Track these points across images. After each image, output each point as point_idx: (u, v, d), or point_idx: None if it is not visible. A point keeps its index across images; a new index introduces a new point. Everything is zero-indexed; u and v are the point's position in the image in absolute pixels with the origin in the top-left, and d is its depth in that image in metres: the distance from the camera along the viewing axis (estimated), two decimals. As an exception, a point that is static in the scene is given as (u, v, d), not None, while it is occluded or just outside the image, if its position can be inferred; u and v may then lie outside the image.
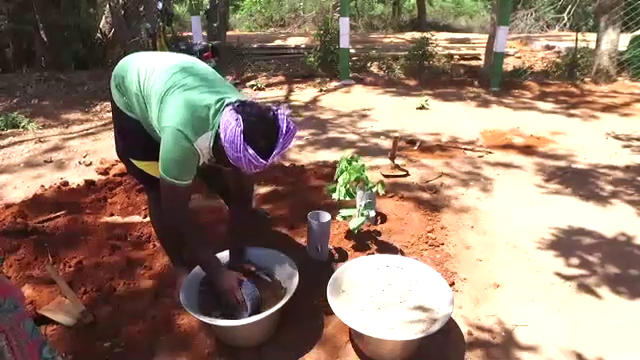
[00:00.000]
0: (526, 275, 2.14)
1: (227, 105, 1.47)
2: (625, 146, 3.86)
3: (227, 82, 1.70)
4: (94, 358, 1.64)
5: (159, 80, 1.57)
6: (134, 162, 1.74)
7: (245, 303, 1.63)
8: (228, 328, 1.62)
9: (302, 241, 2.29)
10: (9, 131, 4.33)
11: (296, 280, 1.72)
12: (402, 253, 2.23)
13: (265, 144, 1.39)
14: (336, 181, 2.24)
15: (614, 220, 2.63)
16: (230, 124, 1.38)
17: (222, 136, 1.40)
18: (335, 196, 2.21)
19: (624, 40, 6.55)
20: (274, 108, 1.45)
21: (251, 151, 1.36)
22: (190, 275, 1.79)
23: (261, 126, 1.39)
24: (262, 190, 2.96)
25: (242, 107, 1.41)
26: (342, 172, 2.22)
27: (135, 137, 1.69)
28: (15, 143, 4.00)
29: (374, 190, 2.32)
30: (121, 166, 3.31)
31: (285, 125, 1.41)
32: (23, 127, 4.39)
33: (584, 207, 2.81)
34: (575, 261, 2.24)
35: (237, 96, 1.55)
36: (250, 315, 1.60)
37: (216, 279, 1.66)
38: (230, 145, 1.38)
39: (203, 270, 1.74)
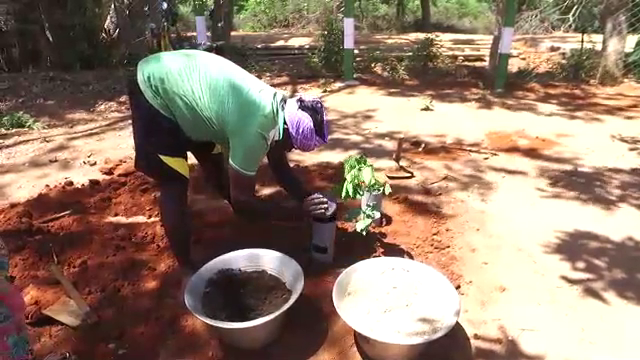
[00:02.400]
0: (532, 278, 2.12)
1: (282, 101, 1.82)
2: (631, 149, 3.83)
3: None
4: (98, 359, 1.64)
5: (214, 86, 1.74)
6: (163, 158, 1.78)
7: (329, 203, 1.95)
8: (233, 330, 1.62)
9: (306, 242, 2.28)
10: (14, 130, 4.34)
11: (301, 282, 1.71)
12: (408, 255, 2.22)
13: (322, 129, 1.82)
14: (344, 179, 2.21)
15: (621, 223, 2.61)
16: (303, 122, 1.77)
17: (293, 131, 1.78)
18: (343, 197, 2.18)
19: (630, 42, 6.50)
20: (315, 100, 1.83)
21: (318, 138, 1.81)
22: (195, 277, 1.79)
23: (318, 117, 1.80)
24: (266, 191, 2.95)
25: (304, 104, 1.80)
26: (352, 168, 2.19)
27: (168, 135, 1.78)
28: (20, 142, 4.02)
29: (380, 191, 2.31)
30: (125, 166, 3.32)
31: (325, 113, 1.86)
32: (28, 126, 4.41)
33: (590, 210, 2.79)
34: (581, 265, 2.22)
35: (273, 90, 1.85)
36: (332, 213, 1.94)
37: (297, 217, 2.13)
38: (304, 137, 1.79)
39: (286, 219, 2.19)
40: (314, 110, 1.79)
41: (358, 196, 2.18)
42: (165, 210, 1.95)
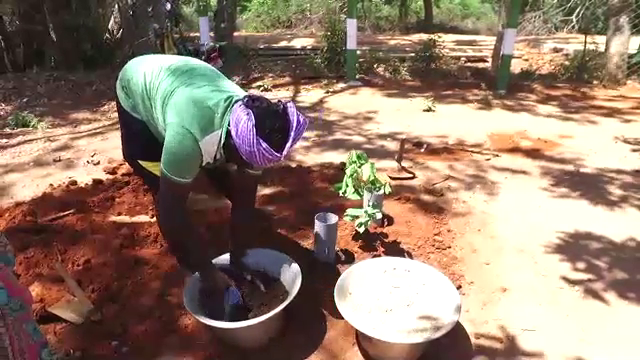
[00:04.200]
0: (533, 279, 2.12)
1: (236, 102, 1.46)
2: (634, 150, 3.83)
3: (233, 82, 1.70)
4: (102, 356, 1.66)
5: (166, 80, 1.58)
6: (141, 163, 1.75)
7: (224, 308, 1.66)
8: (230, 330, 1.63)
9: (308, 242, 2.29)
10: (19, 130, 4.37)
11: (299, 282, 1.71)
12: (409, 256, 2.23)
13: (278, 137, 1.37)
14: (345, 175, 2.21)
15: (622, 224, 2.61)
16: (241, 119, 1.36)
17: (233, 132, 1.39)
18: (342, 191, 2.19)
19: (634, 43, 6.49)
20: (283, 102, 1.45)
21: (264, 145, 1.34)
22: (194, 277, 1.80)
23: (272, 119, 1.37)
24: (267, 191, 2.96)
25: (252, 101, 1.41)
26: (352, 163, 2.19)
27: (141, 138, 1.69)
28: (25, 142, 4.04)
29: (381, 191, 2.32)
30: (128, 166, 3.32)
31: (295, 118, 1.40)
32: (33, 126, 4.44)
33: (592, 211, 2.79)
34: (583, 266, 2.22)
35: (243, 95, 1.55)
36: (229, 321, 1.61)
37: (204, 279, 1.68)
38: (243, 140, 1.36)
39: (194, 269, 1.72)
40: (264, 110, 1.38)
41: (358, 196, 2.19)
42: (159, 213, 1.93)
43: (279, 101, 1.46)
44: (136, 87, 1.65)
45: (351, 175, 2.13)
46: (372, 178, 2.14)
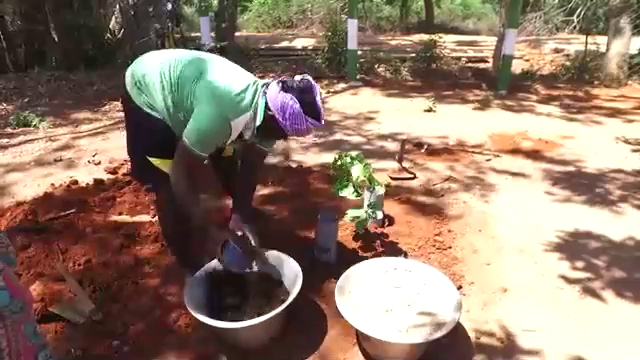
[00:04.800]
0: (534, 279, 2.12)
1: (264, 86, 1.65)
2: (635, 150, 3.83)
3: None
4: (102, 355, 1.66)
5: (189, 68, 1.66)
6: (152, 160, 1.73)
7: (222, 258, 1.69)
8: (229, 330, 1.63)
9: (308, 243, 2.29)
10: (20, 130, 4.38)
11: (300, 282, 1.72)
12: (410, 256, 2.23)
13: (314, 110, 1.59)
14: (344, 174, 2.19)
15: (623, 225, 2.61)
16: (287, 103, 1.55)
17: (280, 116, 1.58)
18: (336, 189, 2.18)
19: (635, 43, 6.49)
20: (304, 80, 1.62)
21: (311, 120, 1.58)
22: (194, 277, 1.80)
23: (308, 96, 1.59)
24: (267, 191, 2.97)
25: (287, 86, 1.60)
26: (343, 164, 2.18)
27: (155, 135, 1.71)
28: (26, 142, 4.05)
29: (381, 191, 2.32)
30: (129, 165, 3.34)
31: (318, 89, 1.63)
32: (34, 126, 4.44)
33: (593, 211, 2.79)
34: (583, 266, 2.22)
35: (256, 79, 1.71)
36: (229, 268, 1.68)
37: (209, 233, 1.75)
38: (293, 121, 1.57)
39: (198, 226, 1.77)
40: (301, 90, 1.59)
41: (357, 196, 2.18)
42: (162, 213, 1.95)
43: (303, 77, 1.65)
44: (153, 80, 1.67)
45: (343, 177, 2.13)
46: (362, 179, 2.12)
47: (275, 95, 1.58)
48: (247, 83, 1.66)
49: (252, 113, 1.64)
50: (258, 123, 1.64)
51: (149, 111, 1.70)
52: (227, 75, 1.66)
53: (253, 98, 1.64)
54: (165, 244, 2.29)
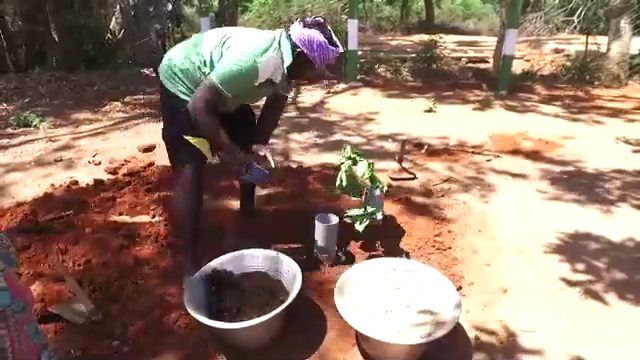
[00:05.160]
0: (534, 280, 2.12)
1: (286, 31, 1.84)
2: (635, 151, 3.82)
3: None
4: (102, 356, 1.66)
5: (214, 35, 1.86)
6: (187, 139, 1.87)
7: (249, 169, 1.88)
8: (228, 331, 1.63)
9: (308, 243, 2.29)
10: (21, 130, 4.38)
11: (299, 282, 1.72)
12: (409, 256, 2.23)
13: (333, 41, 1.82)
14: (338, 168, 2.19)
15: (623, 225, 2.60)
16: (314, 38, 1.78)
17: (308, 49, 1.79)
18: (337, 185, 2.18)
19: (635, 44, 6.48)
20: (318, 17, 1.84)
21: (333, 47, 1.81)
22: (194, 277, 1.80)
23: (326, 29, 1.82)
24: (267, 191, 2.96)
25: (307, 23, 1.81)
26: (347, 159, 2.18)
27: (187, 116, 1.82)
28: (26, 142, 4.05)
29: (382, 191, 2.32)
30: (130, 166, 3.35)
31: (328, 27, 1.86)
32: (34, 126, 4.45)
33: (593, 212, 2.78)
34: (583, 267, 2.22)
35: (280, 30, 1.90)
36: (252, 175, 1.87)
37: (228, 156, 1.93)
38: (321, 52, 1.79)
39: (225, 151, 1.93)
40: (319, 25, 1.80)
41: (358, 196, 2.18)
42: (180, 190, 1.97)
43: (315, 17, 1.86)
44: (185, 65, 1.84)
45: (346, 171, 2.13)
46: (367, 176, 2.12)
47: (300, 32, 1.79)
48: (272, 34, 1.86)
49: (279, 56, 1.82)
50: (288, 63, 1.83)
51: (184, 97, 1.86)
52: (251, 30, 1.90)
53: (277, 42, 1.82)
54: (165, 244, 2.29)
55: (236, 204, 2.61)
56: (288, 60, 1.83)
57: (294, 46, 1.81)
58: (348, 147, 2.23)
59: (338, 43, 1.84)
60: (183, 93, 1.86)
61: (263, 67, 1.77)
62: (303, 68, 1.86)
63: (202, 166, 1.97)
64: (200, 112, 1.77)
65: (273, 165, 1.98)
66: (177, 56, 1.87)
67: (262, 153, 1.99)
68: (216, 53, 1.81)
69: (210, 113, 1.77)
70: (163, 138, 2.02)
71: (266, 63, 1.77)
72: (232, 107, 1.97)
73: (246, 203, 2.50)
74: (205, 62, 1.82)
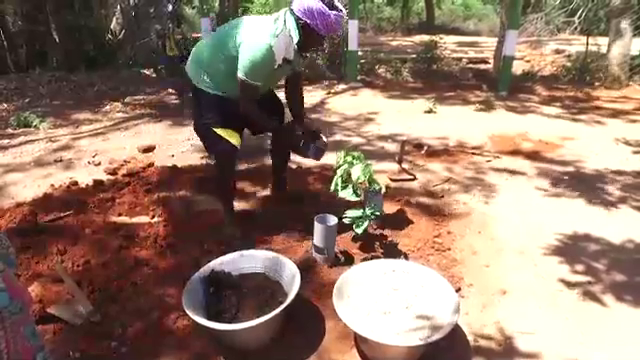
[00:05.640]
0: (533, 281, 2.12)
1: (289, 8, 1.94)
2: (635, 152, 3.81)
3: None
4: (100, 357, 1.66)
5: (225, 29, 2.09)
6: (215, 129, 2.11)
7: (306, 147, 2.17)
8: (226, 332, 1.63)
9: (307, 244, 2.29)
10: (21, 130, 4.39)
11: (297, 284, 1.72)
12: (408, 257, 2.23)
13: (334, 6, 1.91)
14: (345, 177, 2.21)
15: (623, 226, 2.60)
16: (310, 5, 1.87)
17: (309, 18, 1.88)
18: (332, 189, 2.19)
19: (636, 44, 6.47)
20: None
21: (334, 12, 1.89)
22: (195, 277, 1.80)
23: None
24: (266, 192, 2.96)
25: None
26: (345, 163, 2.20)
27: (217, 110, 2.11)
28: (27, 142, 4.06)
29: (380, 192, 2.31)
30: (129, 166, 3.35)
31: None
32: (34, 126, 4.45)
33: (592, 213, 2.78)
34: (583, 268, 2.22)
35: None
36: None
37: (283, 131, 2.25)
38: (322, 18, 1.87)
39: (276, 132, 2.31)
40: None
41: (356, 197, 2.18)
42: (218, 168, 2.33)
43: None
44: (209, 59, 2.07)
45: (341, 175, 2.14)
46: (362, 179, 2.12)
47: (299, 4, 1.89)
48: (276, 14, 1.98)
49: (287, 33, 1.92)
50: (297, 38, 1.93)
51: (212, 91, 2.09)
52: (259, 17, 2.05)
53: (283, 21, 1.93)
54: (164, 245, 2.30)
55: (236, 204, 2.61)
56: (296, 36, 1.93)
57: (297, 19, 1.90)
58: (342, 153, 2.24)
59: (340, 6, 1.90)
60: (207, 86, 2.07)
61: (277, 48, 1.89)
62: (310, 39, 1.96)
63: (233, 152, 2.17)
64: (249, 110, 2.05)
65: (325, 140, 2.24)
66: (201, 55, 2.10)
67: (314, 130, 2.25)
68: (233, 49, 1.97)
69: (255, 107, 2.04)
70: (195, 131, 2.26)
71: (278, 44, 1.89)
72: (262, 92, 2.13)
73: (279, 188, 2.72)
74: (226, 58, 2.00)
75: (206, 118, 2.14)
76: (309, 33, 1.93)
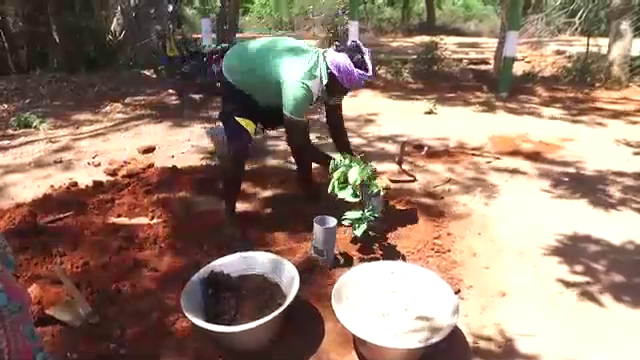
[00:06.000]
0: (533, 283, 2.11)
1: (324, 53, 2.18)
2: (636, 153, 3.81)
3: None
4: (99, 358, 1.65)
5: (262, 49, 2.28)
6: (237, 119, 2.28)
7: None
8: (224, 334, 1.62)
9: (307, 246, 2.29)
10: (21, 131, 4.39)
11: (296, 285, 1.71)
12: (408, 259, 2.22)
13: (363, 65, 2.10)
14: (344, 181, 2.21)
15: (623, 228, 2.59)
16: (340, 60, 2.08)
17: (335, 71, 2.10)
18: (329, 191, 2.19)
19: (637, 45, 6.46)
20: (354, 43, 2.13)
21: (360, 71, 2.08)
22: (194, 279, 1.80)
23: (356, 54, 2.09)
24: (267, 193, 2.96)
25: (339, 48, 2.13)
26: (342, 165, 2.21)
27: (239, 102, 2.31)
28: (27, 143, 4.06)
29: (379, 193, 2.31)
30: (129, 167, 3.35)
31: (366, 49, 2.14)
32: (35, 127, 4.45)
33: (593, 214, 2.77)
34: (582, 269, 2.21)
35: (319, 49, 2.26)
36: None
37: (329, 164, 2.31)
38: (346, 74, 2.09)
39: (323, 163, 2.39)
40: (351, 50, 2.09)
41: (355, 198, 2.17)
42: (229, 160, 2.42)
43: (352, 41, 2.17)
44: (240, 65, 2.28)
45: (338, 178, 2.14)
46: (359, 182, 2.12)
47: (331, 56, 2.12)
48: (311, 55, 2.19)
49: (319, 77, 2.15)
50: (325, 83, 2.16)
51: (237, 86, 2.28)
52: (296, 51, 2.21)
53: (318, 65, 2.15)
54: (163, 246, 2.30)
55: (238, 206, 2.60)
56: (324, 80, 2.17)
57: (327, 67, 2.13)
58: (338, 156, 2.25)
59: (369, 66, 2.09)
60: (235, 81, 2.27)
61: (313, 88, 2.15)
62: (335, 87, 2.18)
63: (248, 142, 2.35)
64: (302, 149, 2.43)
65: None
66: (242, 61, 2.29)
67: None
68: (269, 75, 2.18)
69: (308, 143, 2.41)
70: (219, 118, 2.47)
71: (313, 86, 2.15)
72: (263, 104, 2.35)
73: (309, 188, 2.78)
74: (262, 79, 2.21)
75: (228, 108, 2.36)
76: (334, 82, 2.15)
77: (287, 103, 2.15)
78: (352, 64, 2.06)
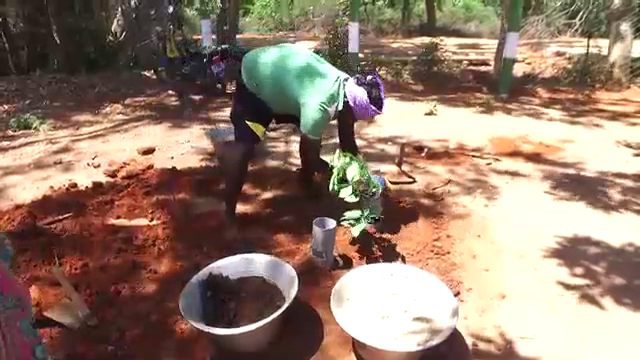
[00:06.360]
0: (533, 286, 2.11)
1: (344, 80, 2.28)
2: (636, 155, 3.80)
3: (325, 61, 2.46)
4: (98, 360, 1.65)
5: (284, 62, 2.31)
6: (247, 122, 2.35)
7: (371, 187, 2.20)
8: (224, 336, 1.62)
9: (306, 247, 2.28)
10: (21, 132, 4.39)
11: (295, 287, 1.71)
12: (407, 261, 2.22)
13: (378, 102, 2.22)
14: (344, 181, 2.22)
15: (623, 230, 2.59)
16: (359, 95, 2.19)
17: (352, 102, 2.23)
18: (330, 190, 2.20)
19: (637, 47, 6.46)
20: (374, 79, 2.21)
21: (374, 107, 2.21)
22: (193, 281, 1.79)
23: (375, 90, 2.20)
24: (267, 195, 2.96)
25: (360, 81, 2.21)
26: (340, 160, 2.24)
27: (251, 106, 2.37)
28: (26, 144, 4.06)
29: (379, 194, 2.30)
30: (129, 169, 3.35)
31: (382, 86, 2.25)
32: (35, 128, 4.45)
33: (593, 216, 2.77)
34: (582, 271, 2.21)
35: (340, 73, 2.35)
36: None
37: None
38: (360, 108, 2.22)
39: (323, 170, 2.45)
40: (370, 86, 2.19)
41: (355, 199, 2.17)
42: (234, 160, 2.46)
43: (372, 74, 2.26)
44: (258, 73, 2.31)
45: (337, 174, 2.14)
46: (357, 179, 2.12)
47: (351, 87, 2.22)
48: (334, 79, 2.28)
49: (337, 103, 2.27)
50: (340, 108, 2.28)
51: (251, 90, 2.34)
52: (321, 77, 2.28)
53: (338, 91, 2.26)
54: (163, 248, 2.29)
55: (240, 207, 2.60)
56: (340, 106, 2.28)
57: (345, 96, 2.25)
58: (337, 152, 2.25)
59: (383, 104, 2.23)
60: (250, 86, 2.33)
61: (331, 113, 2.27)
62: (347, 113, 2.30)
63: (254, 144, 2.45)
64: (312, 161, 2.53)
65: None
66: (261, 68, 2.31)
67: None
68: (287, 89, 2.27)
69: (316, 159, 2.51)
70: (231, 118, 2.52)
71: (331, 110, 2.27)
72: (276, 111, 2.45)
73: (310, 188, 2.82)
74: (280, 91, 2.29)
75: (240, 110, 2.43)
76: (347, 109, 2.27)
77: (307, 123, 2.25)
78: (369, 100, 2.17)
